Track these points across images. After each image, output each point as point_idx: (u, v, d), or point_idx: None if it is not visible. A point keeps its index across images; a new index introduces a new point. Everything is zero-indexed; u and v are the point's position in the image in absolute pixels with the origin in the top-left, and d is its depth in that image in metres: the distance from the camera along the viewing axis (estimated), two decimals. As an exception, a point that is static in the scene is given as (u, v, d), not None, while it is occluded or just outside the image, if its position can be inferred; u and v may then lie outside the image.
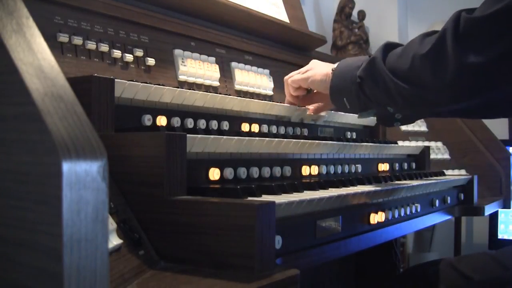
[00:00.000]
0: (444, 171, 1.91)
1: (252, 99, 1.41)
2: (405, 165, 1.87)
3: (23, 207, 0.53)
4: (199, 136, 1.00)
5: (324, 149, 1.39)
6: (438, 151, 2.40)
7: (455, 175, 2.01)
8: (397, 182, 1.43)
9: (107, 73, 1.23)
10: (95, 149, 0.53)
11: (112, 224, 0.81)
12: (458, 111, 1.48)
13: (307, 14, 2.42)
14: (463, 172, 2.31)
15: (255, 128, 1.43)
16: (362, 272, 2.12)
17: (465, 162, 2.40)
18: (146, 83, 1.14)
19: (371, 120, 1.90)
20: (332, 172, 1.46)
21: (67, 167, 0.49)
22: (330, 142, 1.41)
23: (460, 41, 1.04)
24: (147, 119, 1.14)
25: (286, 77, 1.56)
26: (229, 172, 1.09)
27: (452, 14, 1.07)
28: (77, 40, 1.20)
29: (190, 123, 1.23)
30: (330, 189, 1.15)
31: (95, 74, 1.03)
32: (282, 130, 1.52)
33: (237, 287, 0.74)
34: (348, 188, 1.19)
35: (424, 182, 1.48)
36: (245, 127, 1.39)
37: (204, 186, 1.00)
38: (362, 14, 3.47)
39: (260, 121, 1.45)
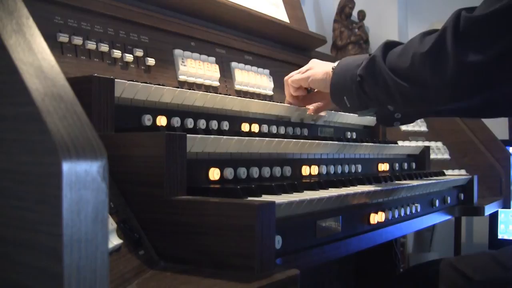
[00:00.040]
0: (444, 171, 1.91)
1: (252, 99, 1.41)
2: (405, 165, 1.87)
3: (23, 207, 0.53)
4: (199, 136, 1.00)
5: (324, 149, 1.39)
6: (438, 151, 2.40)
7: (455, 175, 2.01)
8: (397, 182, 1.43)
9: (107, 73, 1.23)
10: (95, 149, 0.53)
11: (112, 224, 0.81)
12: (457, 110, 1.48)
13: (307, 14, 2.42)
14: (463, 172, 2.31)
15: (255, 128, 1.43)
16: (362, 272, 2.12)
17: (465, 162, 2.40)
18: (146, 83, 1.14)
19: (371, 120, 1.90)
20: (332, 172, 1.46)
21: (67, 167, 0.49)
22: (330, 142, 1.41)
23: (460, 40, 1.04)
24: (147, 119, 1.14)
25: (286, 78, 1.56)
26: (229, 172, 1.09)
27: (452, 13, 1.07)
28: (77, 40, 1.20)
29: (190, 123, 1.23)
30: (330, 189, 1.15)
31: (95, 74, 1.03)
32: (282, 130, 1.52)
33: (237, 287, 0.74)
34: (348, 188, 1.19)
35: (424, 182, 1.48)
36: (245, 127, 1.39)
37: (204, 186, 1.00)
38: (362, 14, 3.47)
39: (260, 121, 1.45)
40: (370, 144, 1.58)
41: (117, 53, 1.28)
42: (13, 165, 0.54)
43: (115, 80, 1.05)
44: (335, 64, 1.37)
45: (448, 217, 1.75)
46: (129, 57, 1.30)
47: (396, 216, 1.32)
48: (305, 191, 1.09)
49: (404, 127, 2.44)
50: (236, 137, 1.09)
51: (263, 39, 1.83)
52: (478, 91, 1.10)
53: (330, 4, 3.57)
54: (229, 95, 1.38)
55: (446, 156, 2.41)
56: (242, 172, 1.13)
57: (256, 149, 1.18)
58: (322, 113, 1.63)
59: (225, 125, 1.33)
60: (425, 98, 1.16)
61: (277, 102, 1.56)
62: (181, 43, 1.48)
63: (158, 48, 1.41)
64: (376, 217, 1.22)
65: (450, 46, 1.04)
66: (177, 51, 1.45)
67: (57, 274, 0.49)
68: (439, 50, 1.07)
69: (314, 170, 1.39)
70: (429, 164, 1.96)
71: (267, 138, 1.18)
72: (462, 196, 1.81)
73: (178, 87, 1.25)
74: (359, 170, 1.59)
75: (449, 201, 1.69)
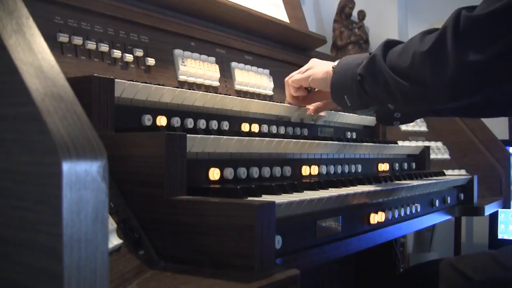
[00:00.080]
0: (444, 171, 1.91)
1: (252, 99, 1.41)
2: (405, 165, 1.87)
3: (23, 207, 0.53)
4: (199, 136, 1.00)
5: (324, 149, 1.39)
6: (438, 151, 2.40)
7: (455, 175, 2.01)
8: (397, 182, 1.43)
9: (107, 73, 1.23)
10: (95, 149, 0.53)
11: (112, 224, 0.81)
12: (457, 110, 1.48)
13: (307, 14, 2.42)
14: (463, 172, 2.31)
15: (255, 128, 1.43)
16: (362, 272, 2.12)
17: (465, 162, 2.40)
18: (146, 83, 1.14)
19: (371, 120, 1.90)
20: (332, 172, 1.46)
21: (67, 167, 0.49)
22: (330, 142, 1.41)
23: (460, 39, 1.04)
24: (147, 119, 1.14)
25: (286, 78, 1.56)
26: (229, 172, 1.09)
27: (453, 12, 1.07)
28: (77, 40, 1.20)
29: (190, 123, 1.23)
30: (330, 189, 1.15)
31: (95, 74, 1.03)
32: (282, 130, 1.52)
33: (237, 287, 0.74)
34: (348, 188, 1.19)
35: (424, 182, 1.48)
36: (245, 127, 1.39)
37: (204, 186, 1.00)
38: (362, 14, 3.47)
39: (260, 121, 1.45)
40: (370, 144, 1.58)
41: (117, 53, 1.28)
42: (13, 165, 0.54)
43: (115, 80, 1.05)
44: (336, 63, 1.37)
45: (448, 217, 1.75)
46: (129, 57, 1.30)
47: (396, 216, 1.32)
48: (305, 191, 1.09)
49: (404, 127, 2.44)
50: (236, 137, 1.09)
51: (263, 39, 1.83)
52: (478, 90, 1.10)
53: (330, 4, 3.57)
54: (229, 95, 1.38)
55: (446, 156, 2.41)
56: (242, 172, 1.13)
57: (256, 149, 1.18)
58: (322, 113, 1.63)
59: (225, 125, 1.33)
60: (425, 97, 1.16)
61: (277, 102, 1.56)
62: (181, 43, 1.48)
63: (158, 48, 1.41)
64: (376, 217, 1.22)
65: (450, 45, 1.05)
66: (177, 51, 1.45)
67: (57, 274, 0.49)
68: (439, 49, 1.07)
69: (314, 170, 1.39)
70: (429, 164, 1.96)
71: (267, 138, 1.18)
72: (462, 196, 1.81)
73: (178, 87, 1.25)
74: (359, 170, 1.59)
75: (449, 201, 1.69)
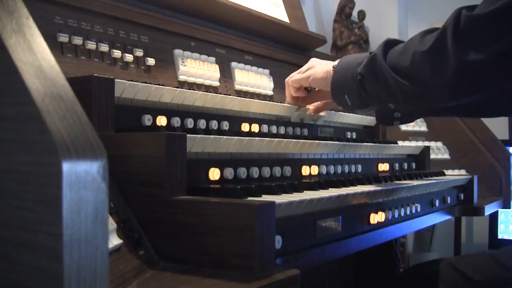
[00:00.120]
0: (444, 171, 1.91)
1: (252, 99, 1.41)
2: (405, 165, 1.87)
3: (23, 207, 0.53)
4: (199, 136, 1.00)
5: (324, 149, 1.39)
6: (438, 151, 2.40)
7: (455, 175, 2.01)
8: (397, 182, 1.43)
9: (107, 73, 1.23)
10: (95, 149, 0.53)
11: (112, 224, 0.81)
12: (457, 110, 1.48)
13: (307, 14, 2.42)
14: (463, 172, 2.31)
15: (255, 128, 1.43)
16: (362, 272, 2.12)
17: (465, 162, 2.40)
18: (146, 83, 1.14)
19: (371, 120, 1.90)
20: (332, 172, 1.46)
21: (67, 167, 0.49)
22: (330, 142, 1.41)
23: (460, 38, 1.04)
24: (147, 119, 1.14)
25: (287, 79, 1.56)
26: (229, 172, 1.09)
27: (453, 12, 1.07)
28: (77, 40, 1.20)
29: (190, 123, 1.23)
30: (330, 189, 1.15)
31: (95, 74, 1.03)
32: (282, 130, 1.52)
33: (237, 287, 0.74)
34: (348, 188, 1.19)
35: (424, 182, 1.48)
36: (245, 127, 1.39)
37: (204, 186, 1.00)
38: (362, 14, 3.47)
39: (260, 121, 1.45)
40: (370, 144, 1.58)
41: (117, 53, 1.28)
42: (13, 165, 0.54)
43: (115, 80, 1.05)
44: (336, 62, 1.37)
45: (448, 217, 1.75)
46: (129, 57, 1.30)
47: (396, 216, 1.32)
48: (305, 191, 1.09)
49: (404, 127, 2.44)
50: (236, 137, 1.09)
51: (263, 39, 1.83)
52: (479, 90, 1.10)
53: (330, 4, 3.57)
54: (229, 95, 1.38)
55: (446, 156, 2.41)
56: (242, 172, 1.13)
57: (256, 149, 1.18)
58: (322, 113, 1.63)
59: (225, 125, 1.33)
60: (426, 96, 1.16)
61: (277, 102, 1.56)
62: (181, 43, 1.48)
63: (158, 48, 1.41)
64: (376, 217, 1.22)
65: (451, 45, 1.05)
66: (177, 51, 1.45)
67: (57, 274, 0.49)
68: (440, 49, 1.07)
69: (314, 170, 1.39)
70: (429, 164, 1.96)
71: (267, 138, 1.18)
72: (462, 196, 1.81)
73: (178, 87, 1.25)
74: (359, 170, 1.59)
75: (449, 201, 1.69)
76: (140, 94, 1.12)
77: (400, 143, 2.13)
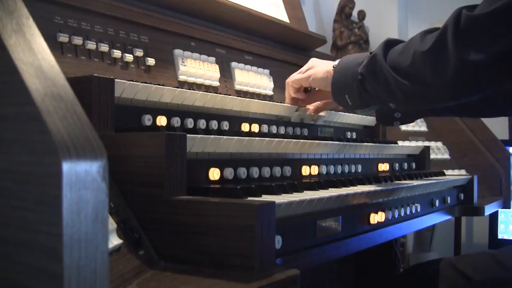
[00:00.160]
0: (444, 171, 1.91)
1: (252, 99, 1.41)
2: (405, 165, 1.87)
3: (23, 207, 0.53)
4: (199, 136, 1.00)
5: (324, 149, 1.39)
6: (438, 151, 2.40)
7: (455, 175, 2.01)
8: (397, 182, 1.43)
9: (107, 73, 1.23)
10: (95, 149, 0.53)
11: (112, 224, 0.81)
12: (457, 110, 1.48)
13: (307, 14, 2.42)
14: (463, 172, 2.31)
15: (255, 128, 1.43)
16: (362, 272, 2.12)
17: (465, 162, 2.40)
18: (146, 83, 1.14)
19: (371, 120, 1.90)
20: (332, 172, 1.46)
21: (67, 167, 0.49)
22: (330, 142, 1.41)
23: (460, 38, 1.04)
24: (147, 119, 1.14)
25: (287, 79, 1.56)
26: (229, 172, 1.09)
27: (453, 11, 1.07)
28: (77, 40, 1.20)
29: (190, 123, 1.23)
30: (330, 189, 1.15)
31: (95, 74, 1.03)
32: (282, 130, 1.52)
33: (237, 287, 0.74)
34: (348, 188, 1.19)
35: (424, 182, 1.48)
36: (245, 127, 1.39)
37: (204, 186, 1.00)
38: (362, 14, 3.47)
39: (260, 121, 1.45)
40: (370, 144, 1.58)
41: (117, 53, 1.28)
42: (13, 165, 0.54)
43: (115, 80, 1.05)
44: (336, 62, 1.37)
45: (448, 217, 1.75)
46: (129, 57, 1.30)
47: (396, 216, 1.32)
48: (305, 191, 1.09)
49: (404, 127, 2.44)
50: (236, 137, 1.09)
51: (263, 39, 1.83)
52: (479, 90, 1.11)
53: (330, 4, 3.57)
54: (229, 95, 1.38)
55: (446, 156, 2.41)
56: (242, 172, 1.13)
57: (256, 149, 1.18)
58: (322, 113, 1.63)
59: (225, 125, 1.33)
60: (426, 96, 1.16)
61: (277, 102, 1.56)
62: (181, 43, 1.48)
63: (158, 48, 1.41)
64: (376, 217, 1.22)
65: (451, 45, 1.05)
66: (177, 51, 1.45)
67: (57, 274, 0.49)
68: (440, 49, 1.08)
69: (314, 170, 1.39)
70: (429, 164, 1.96)
71: (267, 138, 1.18)
72: (462, 196, 1.81)
73: (178, 87, 1.25)
74: (359, 170, 1.59)
75: (449, 201, 1.69)
76: (140, 94, 1.12)
77: (400, 143, 2.13)
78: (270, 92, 1.75)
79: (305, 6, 2.57)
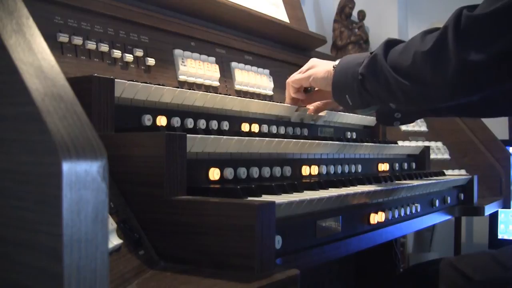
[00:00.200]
0: (444, 171, 1.91)
1: (252, 99, 1.41)
2: (405, 165, 1.87)
3: (23, 207, 0.53)
4: (199, 136, 1.00)
5: (324, 149, 1.39)
6: (438, 151, 2.40)
7: (455, 175, 2.01)
8: (397, 182, 1.43)
9: (107, 73, 1.23)
10: (95, 149, 0.53)
11: (112, 224, 0.81)
12: (457, 110, 1.48)
13: (307, 14, 2.42)
14: (463, 172, 2.31)
15: (255, 128, 1.43)
16: (362, 272, 2.12)
17: (465, 162, 2.40)
18: (146, 83, 1.14)
19: (371, 120, 1.90)
20: (332, 172, 1.46)
21: (67, 167, 0.49)
22: (330, 142, 1.41)
23: (461, 38, 1.04)
24: (147, 119, 1.14)
25: (288, 79, 1.56)
26: (229, 172, 1.09)
27: (454, 11, 1.07)
28: (77, 40, 1.20)
29: (190, 123, 1.23)
30: (330, 189, 1.15)
31: (95, 74, 1.03)
32: (282, 130, 1.52)
33: (237, 287, 0.74)
34: (348, 188, 1.19)
35: (424, 182, 1.48)
36: (245, 127, 1.39)
37: (204, 186, 1.00)
38: (362, 14, 3.47)
39: (260, 121, 1.45)
40: (370, 144, 1.58)
41: (117, 53, 1.28)
42: (13, 165, 0.54)
43: (115, 80, 1.05)
44: (336, 62, 1.38)
45: (448, 217, 1.75)
46: (129, 57, 1.30)
47: (396, 216, 1.32)
48: (305, 191, 1.09)
49: (404, 127, 2.44)
50: (236, 137, 1.09)
51: (263, 39, 1.83)
52: (479, 90, 1.11)
53: (330, 4, 3.57)
54: (229, 95, 1.38)
55: (446, 156, 2.41)
56: (242, 172, 1.13)
57: (256, 149, 1.18)
58: (322, 113, 1.63)
59: (225, 125, 1.33)
60: (426, 96, 1.16)
61: (277, 102, 1.56)
62: (181, 43, 1.48)
63: (158, 48, 1.41)
64: (376, 217, 1.22)
65: (451, 45, 1.05)
66: (177, 51, 1.45)
67: (57, 274, 0.49)
68: (441, 49, 1.08)
69: (314, 170, 1.39)
70: (429, 164, 1.96)
71: (267, 138, 1.18)
72: (462, 196, 1.81)
73: (178, 87, 1.25)
74: (359, 170, 1.59)
75: (449, 201, 1.69)
76: (140, 94, 1.12)
77: (400, 143, 2.13)
78: (270, 92, 1.75)
79: (305, 6, 2.57)
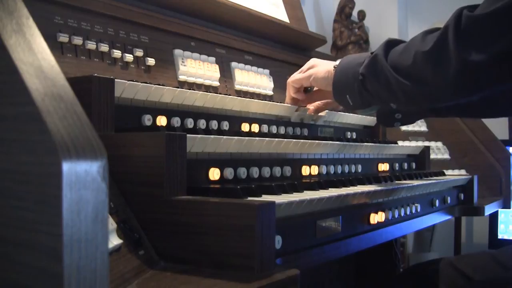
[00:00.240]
0: (444, 171, 1.91)
1: (252, 99, 1.41)
2: (405, 165, 1.87)
3: (23, 207, 0.53)
4: (199, 136, 1.00)
5: (324, 149, 1.39)
6: (438, 151, 2.40)
7: (455, 175, 2.01)
8: (397, 182, 1.43)
9: (107, 73, 1.23)
10: (95, 149, 0.53)
11: (112, 224, 0.81)
12: (458, 110, 1.48)
13: (307, 14, 2.42)
14: (463, 172, 2.31)
15: (255, 128, 1.43)
16: (362, 272, 2.12)
17: (465, 162, 2.40)
18: (146, 83, 1.14)
19: (371, 120, 1.90)
20: (332, 172, 1.46)
21: (67, 167, 0.49)
22: (330, 142, 1.41)
23: (461, 38, 1.04)
24: (147, 119, 1.14)
25: (288, 79, 1.56)
26: (229, 172, 1.09)
27: (454, 11, 1.07)
28: (77, 40, 1.20)
29: (190, 123, 1.23)
30: (330, 189, 1.15)
31: (95, 74, 1.03)
32: (282, 130, 1.52)
33: (237, 287, 0.74)
34: (348, 188, 1.19)
35: (424, 182, 1.48)
36: (245, 127, 1.39)
37: (204, 186, 1.00)
38: (362, 14, 3.47)
39: (260, 121, 1.45)
40: (370, 144, 1.58)
41: (117, 53, 1.28)
42: (13, 165, 0.54)
43: (115, 80, 1.05)
44: (337, 62, 1.38)
45: (448, 217, 1.75)
46: (129, 57, 1.30)
47: (396, 216, 1.31)
48: (305, 191, 1.09)
49: (404, 127, 2.44)
50: (236, 137, 1.09)
51: (263, 39, 1.83)
52: (480, 90, 1.11)
53: (330, 4, 3.57)
54: (229, 95, 1.38)
55: (446, 156, 2.41)
56: (242, 172, 1.13)
57: (256, 149, 1.18)
58: (322, 113, 1.63)
59: (225, 125, 1.33)
60: (427, 95, 1.16)
61: (277, 102, 1.56)
62: (181, 43, 1.48)
63: (158, 48, 1.41)
64: (376, 217, 1.22)
65: (452, 45, 1.05)
66: (177, 51, 1.45)
67: (57, 274, 0.49)
68: (441, 49, 1.08)
69: (314, 170, 1.39)
70: (429, 164, 1.96)
71: (267, 138, 1.18)
72: (462, 196, 1.81)
73: (178, 87, 1.25)
74: (359, 170, 1.59)
75: (449, 201, 1.69)
76: (140, 94, 1.12)
77: (400, 143, 2.13)
78: (270, 92, 1.75)
79: (305, 6, 2.57)
